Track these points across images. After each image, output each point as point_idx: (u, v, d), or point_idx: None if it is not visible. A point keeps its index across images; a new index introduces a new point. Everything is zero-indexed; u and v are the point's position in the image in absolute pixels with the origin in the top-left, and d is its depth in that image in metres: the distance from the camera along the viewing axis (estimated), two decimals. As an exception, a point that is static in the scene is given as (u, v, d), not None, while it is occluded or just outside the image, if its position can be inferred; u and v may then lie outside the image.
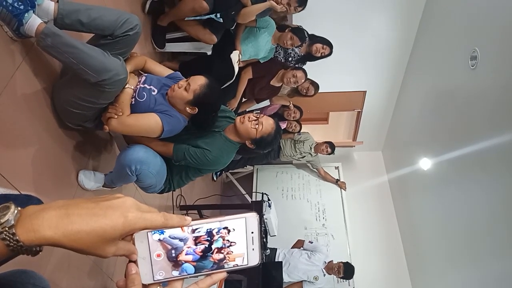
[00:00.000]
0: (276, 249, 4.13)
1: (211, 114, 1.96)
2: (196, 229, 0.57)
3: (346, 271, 3.83)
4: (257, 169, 5.71)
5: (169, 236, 0.56)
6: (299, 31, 3.21)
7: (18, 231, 0.46)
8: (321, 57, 3.51)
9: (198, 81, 1.81)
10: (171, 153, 1.93)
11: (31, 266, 0.97)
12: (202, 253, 0.57)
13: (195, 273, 0.57)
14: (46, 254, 1.73)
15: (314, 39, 3.46)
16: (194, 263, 0.57)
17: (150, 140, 1.91)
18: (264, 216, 3.73)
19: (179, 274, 0.57)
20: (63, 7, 1.54)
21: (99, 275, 2.26)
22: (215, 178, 5.20)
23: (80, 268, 2.06)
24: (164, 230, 0.56)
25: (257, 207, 3.72)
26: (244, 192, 5.45)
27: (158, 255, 0.56)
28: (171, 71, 2.02)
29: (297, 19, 3.90)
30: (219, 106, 1.98)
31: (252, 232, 0.59)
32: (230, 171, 5.50)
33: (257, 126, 1.95)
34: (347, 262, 3.96)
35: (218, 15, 2.61)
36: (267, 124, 1.98)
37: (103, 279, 2.29)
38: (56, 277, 1.80)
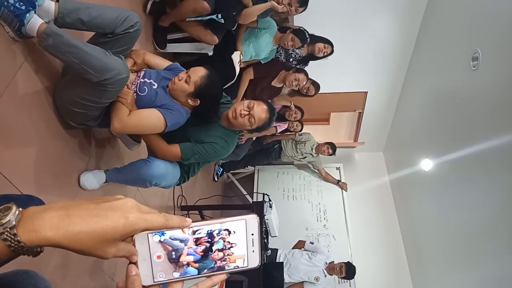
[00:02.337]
0: (277, 249, 4.13)
1: (213, 105, 1.96)
2: (197, 230, 0.56)
3: (348, 271, 3.84)
4: (258, 169, 5.72)
5: (170, 238, 0.56)
6: (300, 33, 3.21)
7: (19, 231, 0.46)
8: (324, 56, 3.51)
9: (198, 73, 1.82)
10: (179, 155, 1.93)
11: (32, 266, 0.96)
12: (202, 254, 0.57)
13: (195, 274, 0.57)
14: (47, 254, 1.74)
15: (315, 39, 3.46)
16: (195, 264, 0.57)
17: (158, 146, 1.91)
18: (265, 217, 3.73)
19: (179, 275, 0.57)
20: (64, 6, 1.54)
21: (100, 276, 2.26)
22: (216, 179, 5.19)
23: (81, 268, 2.06)
24: (165, 232, 0.55)
25: (258, 207, 3.72)
26: (245, 193, 5.45)
27: (159, 257, 0.56)
28: (170, 62, 2.02)
29: (298, 20, 3.89)
30: (220, 96, 1.99)
31: (252, 234, 0.58)
32: (231, 171, 5.50)
33: (250, 120, 1.92)
34: (348, 262, 3.97)
35: (219, 15, 2.61)
36: (259, 114, 1.94)
37: (104, 280, 2.29)
38: (57, 277, 1.80)
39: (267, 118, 1.96)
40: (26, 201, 1.16)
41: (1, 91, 1.45)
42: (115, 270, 2.42)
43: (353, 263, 3.99)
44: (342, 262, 3.91)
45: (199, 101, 1.85)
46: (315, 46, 3.44)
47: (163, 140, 1.92)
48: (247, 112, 1.92)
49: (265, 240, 3.86)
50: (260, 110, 1.94)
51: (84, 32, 1.71)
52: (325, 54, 3.47)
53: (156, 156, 1.96)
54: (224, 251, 0.57)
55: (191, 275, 0.57)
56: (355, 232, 5.15)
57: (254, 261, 0.59)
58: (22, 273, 0.93)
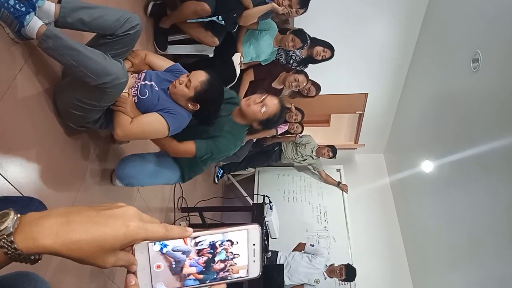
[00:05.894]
0: (277, 251, 4.12)
1: (214, 109, 1.96)
2: (199, 242, 0.56)
3: (348, 273, 3.83)
4: (259, 171, 5.71)
5: (172, 249, 0.55)
6: (300, 33, 3.21)
7: (17, 238, 0.45)
8: (322, 60, 3.51)
9: (199, 77, 1.80)
10: (193, 152, 1.91)
11: (32, 268, 0.96)
12: (204, 265, 0.56)
13: (195, 285, 0.57)
14: (47, 256, 1.73)
15: (315, 42, 3.46)
16: (197, 275, 0.56)
17: (169, 145, 1.91)
18: (265, 219, 3.73)
19: (179, 286, 0.56)
20: (65, 6, 1.54)
21: (100, 277, 2.25)
22: (216, 181, 5.18)
23: (81, 270, 2.06)
24: (167, 244, 0.54)
25: (259, 209, 3.72)
26: (245, 195, 5.44)
27: (158, 267, 0.55)
28: (172, 63, 2.01)
29: (299, 22, 3.90)
30: (221, 102, 1.97)
31: (254, 244, 0.58)
32: (231, 173, 5.49)
33: (263, 107, 1.97)
34: (348, 264, 3.96)
35: (220, 17, 2.62)
36: (272, 104, 2.00)
37: (104, 281, 2.28)
38: (57, 279, 1.80)
39: (278, 110, 2.01)
40: (26, 203, 1.16)
41: (1, 93, 1.45)
42: (115, 271, 2.42)
43: (353, 265, 3.98)
44: (342, 264, 3.90)
45: (199, 105, 1.84)
46: (314, 49, 3.44)
47: (173, 139, 1.91)
48: (260, 101, 1.98)
49: (266, 242, 3.85)
50: (272, 102, 2.01)
51: (84, 34, 1.71)
52: (324, 58, 3.46)
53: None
54: (226, 261, 0.57)
55: (191, 285, 0.57)
56: (355, 234, 5.14)
57: (254, 271, 0.59)
58: (22, 275, 0.93)
